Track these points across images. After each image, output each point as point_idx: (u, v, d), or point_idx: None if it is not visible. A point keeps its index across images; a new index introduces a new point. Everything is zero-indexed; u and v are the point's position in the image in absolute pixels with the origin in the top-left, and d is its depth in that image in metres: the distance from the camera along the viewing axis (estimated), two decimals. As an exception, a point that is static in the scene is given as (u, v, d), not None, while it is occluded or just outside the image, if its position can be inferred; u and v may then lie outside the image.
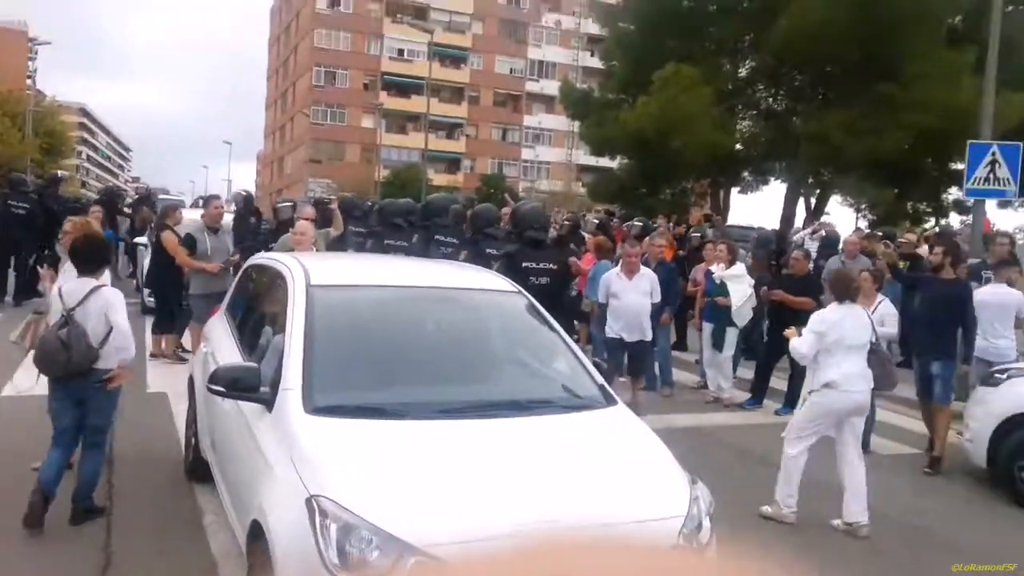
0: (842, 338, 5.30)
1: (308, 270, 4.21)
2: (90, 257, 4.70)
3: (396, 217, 10.08)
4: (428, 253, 8.26)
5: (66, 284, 4.61)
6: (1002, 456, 6.33)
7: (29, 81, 65.81)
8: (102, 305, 4.49)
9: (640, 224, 14.14)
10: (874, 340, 5.52)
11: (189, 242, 8.43)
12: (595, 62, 45.51)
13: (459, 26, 66.50)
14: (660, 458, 3.47)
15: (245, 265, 5.75)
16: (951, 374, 7.02)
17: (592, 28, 50.36)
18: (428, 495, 2.88)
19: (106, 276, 4.87)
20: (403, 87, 63.81)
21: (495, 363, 4.32)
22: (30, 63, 79.95)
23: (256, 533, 3.06)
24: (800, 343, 5.41)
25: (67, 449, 4.64)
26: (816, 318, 5.53)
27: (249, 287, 5.36)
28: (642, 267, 7.79)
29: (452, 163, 66.73)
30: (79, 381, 4.48)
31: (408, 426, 3.32)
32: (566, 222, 13.30)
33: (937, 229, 12.45)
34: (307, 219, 7.75)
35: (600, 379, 4.05)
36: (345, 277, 4.55)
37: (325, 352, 3.66)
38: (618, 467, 3.37)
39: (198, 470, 5.06)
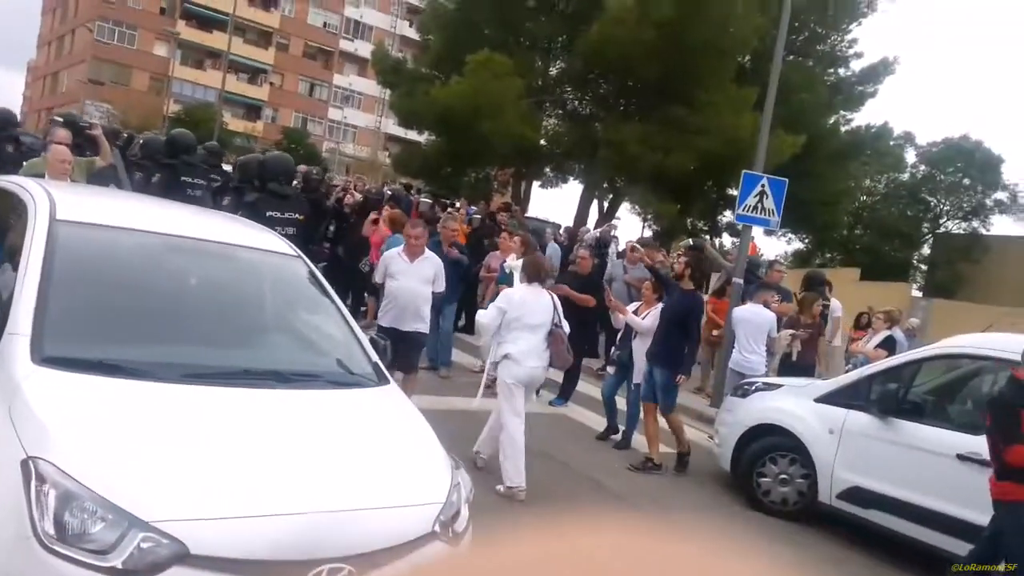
0: (522, 316, 5.96)
1: (56, 201, 3.70)
2: None
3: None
4: (170, 195, 7.42)
5: None
6: (744, 463, 6.93)
7: None
8: None
9: (428, 202, 14.11)
10: (556, 322, 6.11)
11: None
12: (412, 32, 44.98)
13: (267, -34, 63.02)
14: (425, 442, 3.40)
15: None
16: (670, 382, 7.12)
17: (412, -2, 49.65)
18: (164, 467, 2.61)
19: None
20: (205, 20, 59.35)
21: (261, 330, 4.03)
22: None
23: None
24: (482, 315, 6.24)
25: None
26: (501, 296, 6.31)
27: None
28: (428, 252, 6.90)
29: (252, 109, 63.23)
30: None
31: (149, 388, 3.00)
32: (368, 193, 13.04)
33: (690, 242, 13.49)
34: (61, 143, 6.87)
35: (375, 356, 3.90)
36: (100, 215, 3.99)
37: (63, 297, 3.24)
38: (378, 449, 3.25)
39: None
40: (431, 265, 6.81)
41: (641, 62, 20.84)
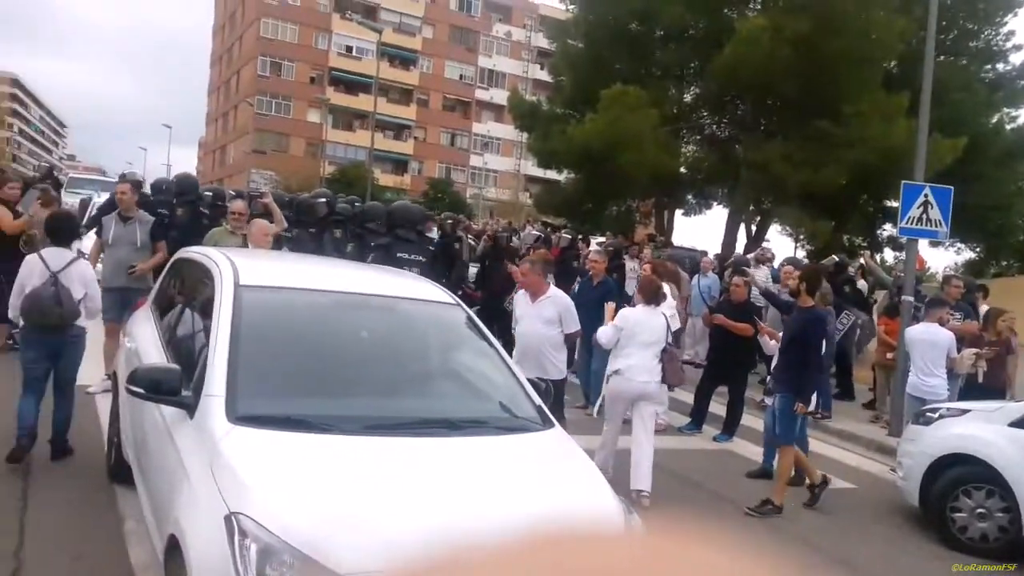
0: (636, 335, 6.29)
1: (237, 268, 4.02)
2: (62, 231, 5.65)
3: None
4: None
5: (46, 251, 5.47)
6: (934, 496, 6.38)
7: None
8: (81, 273, 5.45)
9: (568, 237, 14.15)
10: (670, 341, 6.55)
11: (93, 224, 7.83)
12: (544, 75, 45.76)
13: (409, 28, 66.18)
14: (595, 487, 3.38)
15: (173, 257, 5.50)
16: (788, 409, 6.42)
17: (542, 42, 50.58)
18: (354, 518, 2.73)
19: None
20: (351, 84, 63.11)
21: (429, 378, 4.18)
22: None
23: (174, 548, 2.86)
24: (601, 334, 6.50)
25: (39, 396, 5.32)
26: (619, 316, 6.50)
27: (176, 281, 5.12)
28: (553, 290, 6.54)
29: (399, 164, 66.27)
30: (58, 335, 5.30)
31: (335, 441, 3.16)
32: (502, 232, 13.33)
33: (835, 259, 12.62)
34: (240, 213, 7.46)
35: (538, 400, 3.94)
36: (276, 278, 4.33)
37: (251, 358, 3.49)
38: (551, 496, 3.25)
39: (120, 472, 4.80)
40: (553, 304, 6.35)
41: (779, 79, 20.25)
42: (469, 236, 14.16)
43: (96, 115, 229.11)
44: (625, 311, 6.64)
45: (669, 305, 8.56)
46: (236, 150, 67.97)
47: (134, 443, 4.33)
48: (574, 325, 6.42)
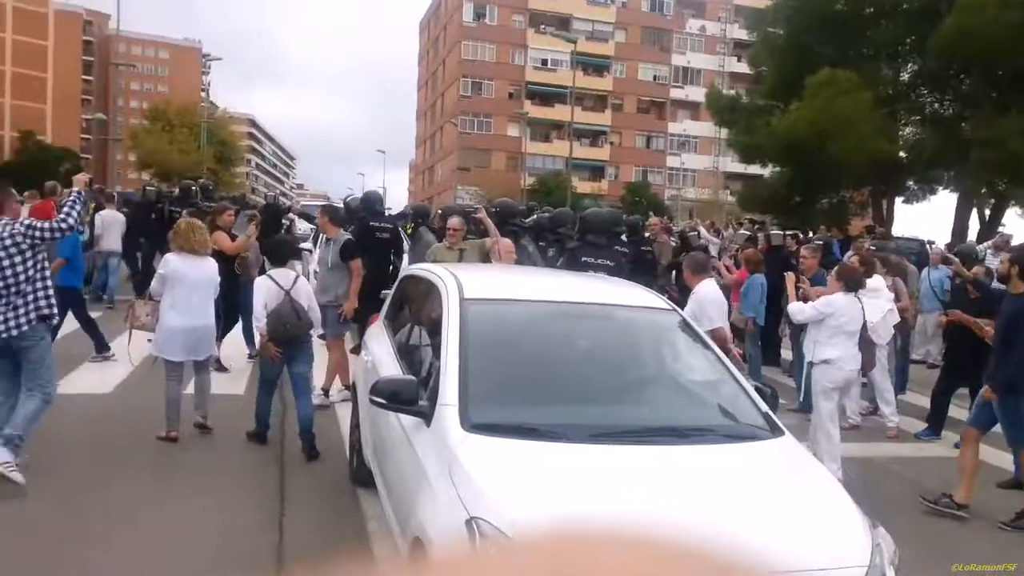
0: (843, 324, 6.22)
1: (462, 283, 4.23)
2: (281, 253, 6.50)
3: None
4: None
5: (274, 272, 6.24)
6: None
7: (203, 94, 71.19)
8: (305, 289, 6.23)
9: (780, 234, 13.51)
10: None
11: (352, 247, 8.07)
12: (742, 67, 44.23)
13: (602, 35, 66.42)
14: (836, 498, 3.21)
15: (401, 275, 5.90)
16: (1013, 408, 5.78)
17: (739, 33, 48.90)
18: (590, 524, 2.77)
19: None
20: (547, 96, 64.41)
21: (650, 385, 4.17)
22: (204, 78, 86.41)
23: (417, 549, 3.06)
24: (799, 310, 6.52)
25: (271, 394, 6.23)
26: (824, 301, 6.39)
27: (405, 297, 5.48)
28: (699, 287, 6.35)
29: (596, 171, 66.65)
30: (296, 344, 6.05)
31: (564, 449, 3.23)
32: (689, 232, 13.02)
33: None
34: (457, 229, 7.82)
35: (764, 406, 3.82)
36: (498, 291, 4.53)
37: (480, 368, 3.65)
38: (790, 507, 3.13)
39: (362, 476, 5.18)
40: (694, 301, 6.21)
41: (1009, 48, 18.26)
42: (671, 238, 13.96)
43: (319, 146, 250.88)
44: (831, 298, 6.44)
45: (887, 298, 8.01)
46: (443, 169, 71.45)
47: (374, 449, 4.68)
48: (708, 323, 5.99)
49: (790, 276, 7.13)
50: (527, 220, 10.56)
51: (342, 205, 13.16)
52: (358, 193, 19.97)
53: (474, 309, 4.00)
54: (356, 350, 9.28)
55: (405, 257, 10.11)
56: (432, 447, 3.33)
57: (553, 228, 9.70)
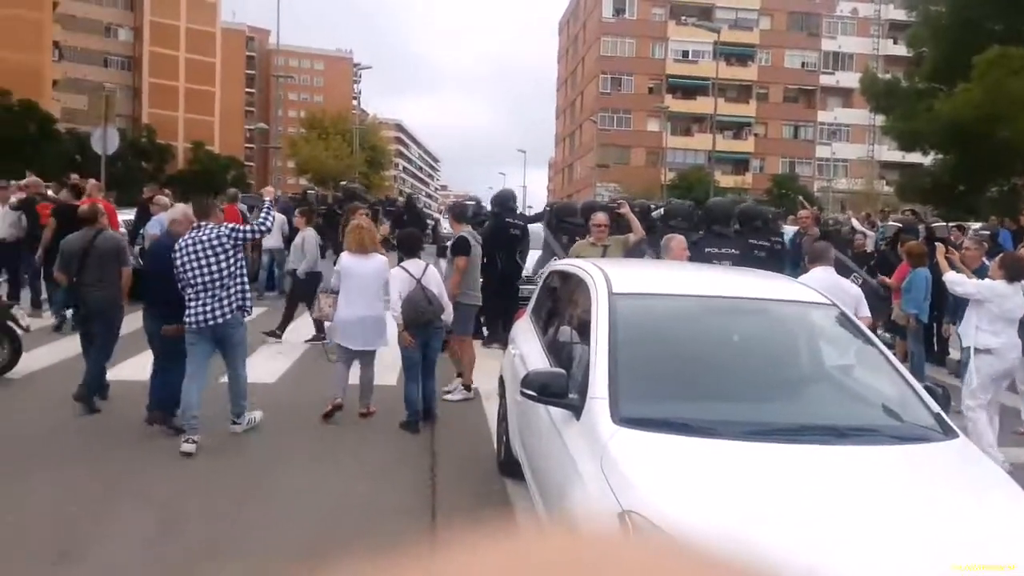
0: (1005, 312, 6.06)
1: (610, 278, 4.22)
2: (411, 244, 7.02)
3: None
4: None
5: (406, 263, 6.67)
6: None
7: (354, 102, 74.58)
8: (435, 277, 6.64)
9: (943, 225, 12.57)
10: None
11: (462, 244, 7.97)
12: (899, 49, 41.66)
13: (746, 23, 64.44)
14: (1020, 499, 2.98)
15: (546, 270, 5.96)
16: None
17: (894, 13, 46.03)
18: (744, 524, 2.68)
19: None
20: (688, 89, 63.17)
21: (808, 381, 4.01)
22: (355, 86, 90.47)
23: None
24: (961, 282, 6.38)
25: (418, 380, 6.62)
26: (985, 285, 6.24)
27: (552, 292, 5.53)
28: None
29: (740, 164, 64.75)
30: (429, 328, 6.54)
31: (717, 446, 3.16)
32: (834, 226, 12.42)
33: None
34: (602, 225, 7.82)
35: (936, 406, 3.58)
36: (647, 285, 4.50)
37: (630, 362, 3.63)
38: (971, 516, 2.91)
39: (509, 466, 5.29)
40: None
41: None
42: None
43: (462, 148, 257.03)
44: (994, 283, 6.29)
45: None
46: (582, 166, 71.50)
47: (521, 440, 4.76)
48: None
49: (940, 247, 7.11)
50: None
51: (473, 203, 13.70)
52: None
53: (623, 304, 3.99)
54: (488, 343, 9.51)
55: (531, 255, 10.40)
56: (582, 440, 3.35)
57: (667, 222, 9.65)
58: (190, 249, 5.87)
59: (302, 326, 9.99)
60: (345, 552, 0.44)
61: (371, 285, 6.78)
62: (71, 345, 8.69)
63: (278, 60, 56.60)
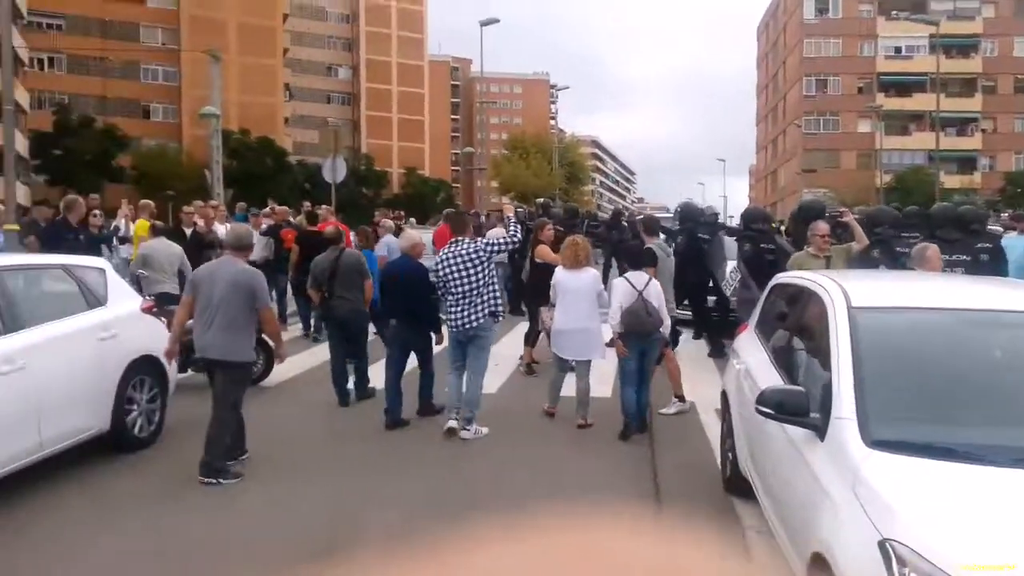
0: None
1: (847, 291, 4.03)
2: (637, 258, 7.12)
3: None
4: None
5: (630, 275, 6.88)
6: None
7: (551, 121, 76.28)
8: (656, 291, 6.76)
9: None
10: None
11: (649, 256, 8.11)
12: None
13: (966, 12, 59.24)
14: None
15: (771, 283, 5.78)
16: None
17: None
18: (1017, 558, 2.46)
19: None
20: (903, 86, 58.90)
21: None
22: (552, 106, 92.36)
23: (819, 566, 2.97)
24: None
25: (635, 386, 6.73)
26: None
27: (778, 305, 5.36)
28: None
29: (966, 162, 59.32)
30: (647, 339, 6.72)
31: (985, 473, 2.91)
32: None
33: None
34: (825, 235, 7.46)
35: None
36: (889, 298, 4.23)
37: (877, 380, 3.42)
38: None
39: (735, 485, 5.17)
40: None
41: None
42: None
43: (657, 160, 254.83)
44: None
45: None
46: (786, 172, 68.57)
47: (752, 459, 4.63)
48: None
49: None
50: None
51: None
52: (699, 203, 19.98)
53: (865, 317, 3.78)
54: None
55: (727, 265, 10.51)
56: (830, 463, 3.20)
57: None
58: (451, 261, 6.63)
59: (516, 341, 10.35)
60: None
61: (585, 298, 7.04)
62: (316, 355, 9.58)
63: (480, 87, 59.08)
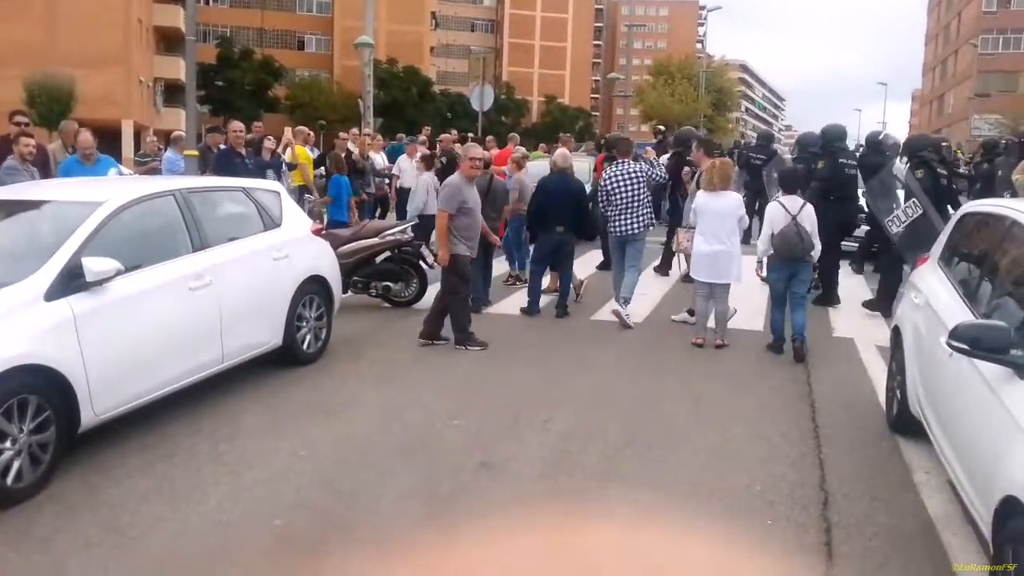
0: None
1: None
2: (793, 182, 7.19)
3: None
4: None
5: (784, 199, 6.95)
6: None
7: (699, 45, 73.17)
8: (810, 216, 6.85)
9: None
10: None
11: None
12: None
13: None
14: None
15: (958, 213, 5.36)
16: None
17: None
18: None
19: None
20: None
21: None
22: (699, 29, 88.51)
23: (1009, 511, 2.80)
24: None
25: (783, 307, 6.99)
26: None
27: (968, 237, 4.97)
28: None
29: None
30: (797, 262, 6.84)
31: None
32: None
33: None
34: None
35: None
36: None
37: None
38: None
39: (903, 424, 4.95)
40: None
41: None
42: None
43: (809, 85, 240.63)
44: None
45: None
46: (955, 97, 63.10)
47: (927, 397, 4.38)
48: None
49: None
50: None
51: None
52: (852, 130, 18.69)
53: None
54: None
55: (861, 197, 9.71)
56: (1029, 401, 2.99)
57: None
58: (617, 178, 8.02)
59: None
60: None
61: (725, 221, 7.17)
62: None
63: (625, 10, 57.29)
